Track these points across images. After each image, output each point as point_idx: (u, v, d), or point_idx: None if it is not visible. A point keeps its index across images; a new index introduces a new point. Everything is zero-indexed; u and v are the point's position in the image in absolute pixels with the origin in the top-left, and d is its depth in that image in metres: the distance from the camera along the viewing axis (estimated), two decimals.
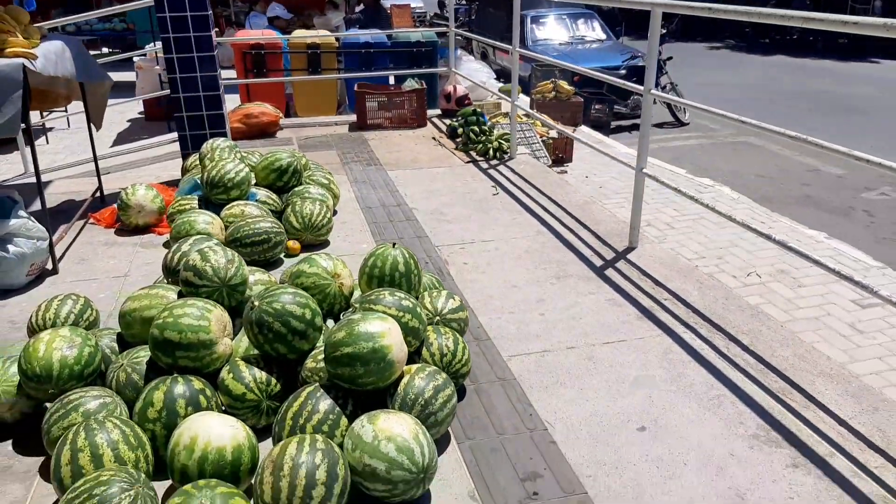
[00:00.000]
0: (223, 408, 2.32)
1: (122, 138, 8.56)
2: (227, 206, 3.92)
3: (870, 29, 2.31)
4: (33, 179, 3.47)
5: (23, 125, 3.37)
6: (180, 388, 2.21)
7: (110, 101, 5.23)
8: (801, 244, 5.11)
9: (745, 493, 2.14)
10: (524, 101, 9.08)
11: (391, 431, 2.00)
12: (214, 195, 4.00)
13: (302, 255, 2.88)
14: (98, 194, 4.83)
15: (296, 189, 4.24)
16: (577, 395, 2.61)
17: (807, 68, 15.15)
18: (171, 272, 2.96)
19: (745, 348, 2.93)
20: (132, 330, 2.56)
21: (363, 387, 2.22)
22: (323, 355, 2.28)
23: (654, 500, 2.12)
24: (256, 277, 2.81)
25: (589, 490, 2.16)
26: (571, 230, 4.23)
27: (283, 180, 4.27)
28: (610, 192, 6.27)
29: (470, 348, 2.89)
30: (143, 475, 1.88)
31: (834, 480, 2.19)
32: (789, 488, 2.16)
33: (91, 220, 4.42)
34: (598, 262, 3.77)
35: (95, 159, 4.91)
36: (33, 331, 2.69)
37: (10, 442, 2.35)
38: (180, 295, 2.63)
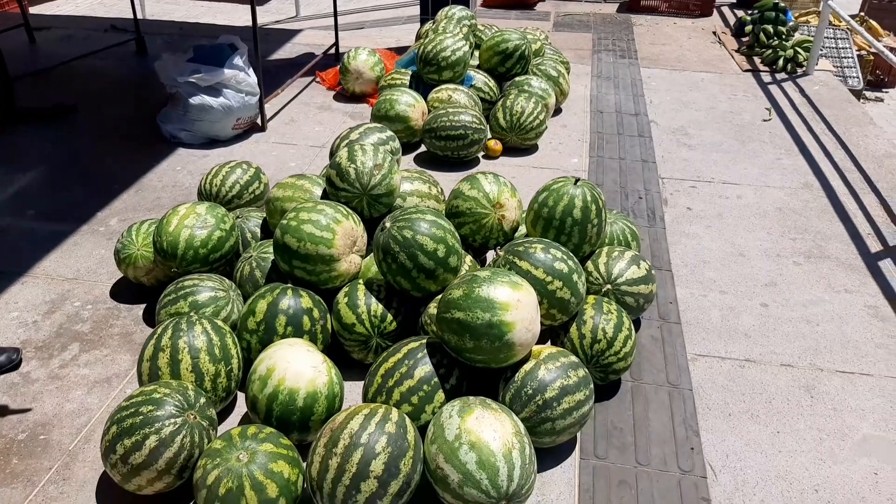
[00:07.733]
0: (331, 332, 2.06)
1: None
2: (436, 89, 3.54)
3: None
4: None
5: None
6: (286, 302, 1.97)
7: None
8: None
9: None
10: None
11: (478, 437, 1.56)
12: (426, 73, 3.63)
13: (470, 172, 2.41)
14: (333, 51, 4.74)
15: (516, 79, 3.69)
16: (767, 440, 1.91)
17: None
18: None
19: None
20: (273, 220, 2.36)
21: (470, 362, 1.79)
22: None
23: None
24: (413, 187, 2.42)
25: None
26: (853, 191, 3.16)
27: (505, 66, 3.73)
28: None
29: (649, 330, 2.28)
30: (202, 399, 1.70)
31: None
32: None
33: (317, 79, 4.35)
34: (875, 247, 2.75)
35: (335, 11, 4.77)
36: (200, 194, 2.65)
37: (143, 307, 2.35)
38: (324, 193, 2.35)
